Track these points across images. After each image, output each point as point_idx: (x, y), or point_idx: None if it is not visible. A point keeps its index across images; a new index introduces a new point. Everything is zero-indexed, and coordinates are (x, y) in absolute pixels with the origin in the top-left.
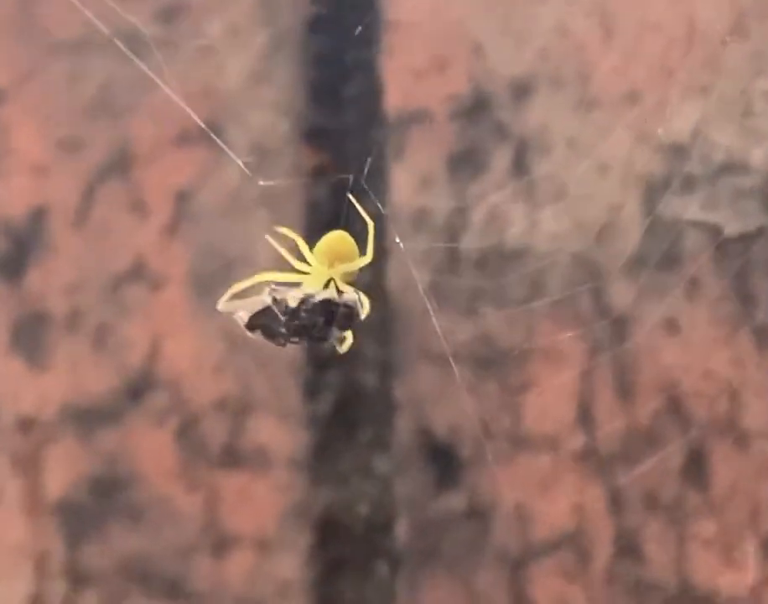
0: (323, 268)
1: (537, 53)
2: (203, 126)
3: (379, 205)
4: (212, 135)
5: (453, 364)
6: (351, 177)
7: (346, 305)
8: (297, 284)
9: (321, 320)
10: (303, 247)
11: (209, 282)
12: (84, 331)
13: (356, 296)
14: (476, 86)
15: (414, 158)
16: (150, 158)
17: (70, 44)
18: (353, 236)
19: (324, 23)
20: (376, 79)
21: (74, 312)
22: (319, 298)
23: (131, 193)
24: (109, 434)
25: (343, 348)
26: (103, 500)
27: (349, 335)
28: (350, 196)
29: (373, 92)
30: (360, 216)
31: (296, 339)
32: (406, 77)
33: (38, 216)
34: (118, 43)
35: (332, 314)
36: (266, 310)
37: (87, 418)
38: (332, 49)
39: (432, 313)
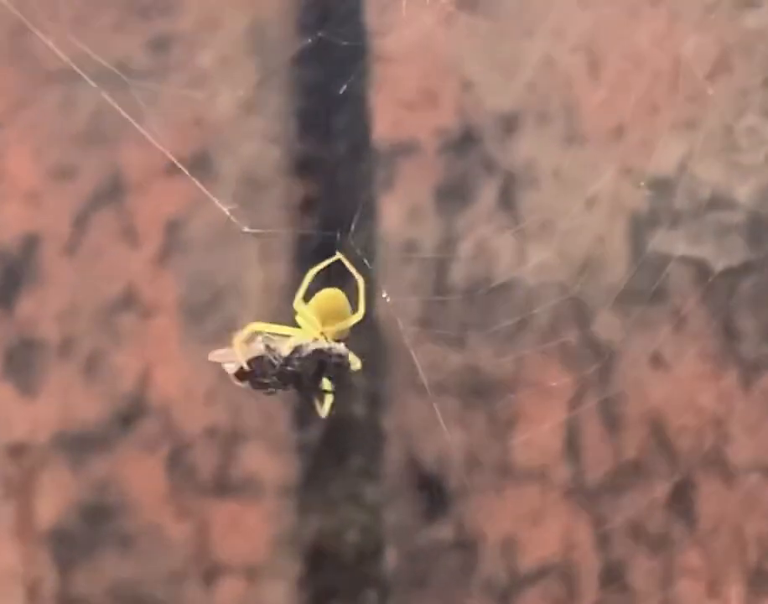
0: (314, 325)
1: (524, 87)
2: (178, 164)
3: (366, 262)
4: (195, 181)
5: (431, 395)
6: (338, 235)
7: (338, 355)
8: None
9: (312, 368)
10: (299, 303)
11: (199, 311)
12: (75, 358)
13: (346, 349)
14: (464, 120)
15: (403, 190)
16: (141, 187)
17: (61, 73)
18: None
19: (313, 54)
20: (365, 110)
21: (66, 339)
22: (311, 347)
23: (122, 221)
24: (100, 461)
25: (324, 411)
26: (94, 527)
27: (329, 398)
28: (340, 255)
29: (362, 123)
30: (350, 250)
31: (285, 387)
32: (395, 109)
33: (31, 243)
34: (104, 94)
35: (323, 363)
36: (257, 359)
37: (78, 444)
38: (321, 80)
39: (412, 350)
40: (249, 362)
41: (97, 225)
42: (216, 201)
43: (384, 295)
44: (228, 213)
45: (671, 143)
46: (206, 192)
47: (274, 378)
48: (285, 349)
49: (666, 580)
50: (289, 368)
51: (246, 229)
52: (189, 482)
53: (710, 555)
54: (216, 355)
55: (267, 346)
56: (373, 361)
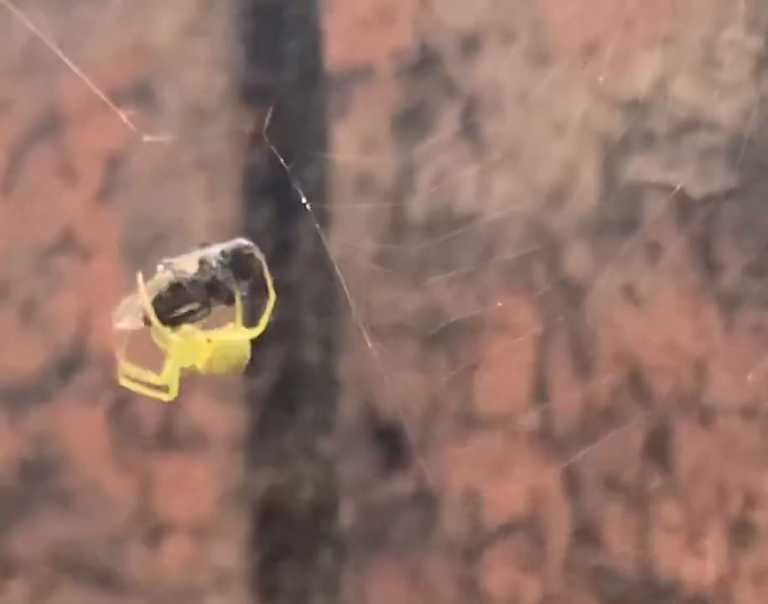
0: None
1: (486, 3)
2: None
3: (283, 163)
4: (95, 89)
5: (367, 342)
6: (288, 168)
7: (246, 248)
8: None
9: (224, 274)
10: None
11: (142, 252)
12: (10, 305)
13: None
14: (423, 40)
15: (357, 117)
16: (79, 120)
17: None
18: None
19: None
20: (316, 32)
21: (0, 284)
22: (215, 250)
23: (59, 158)
24: (37, 414)
25: (263, 321)
26: (31, 484)
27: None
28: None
29: (313, 47)
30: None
31: (207, 306)
32: (348, 30)
33: None
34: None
35: (236, 262)
36: (168, 291)
37: (14, 396)
38: (270, 0)
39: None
40: (158, 300)
41: (32, 162)
42: (111, 105)
43: (304, 201)
44: (125, 119)
45: (646, 61)
46: (105, 99)
47: (194, 303)
48: (191, 265)
49: (642, 534)
50: (203, 279)
51: (147, 138)
52: (131, 436)
53: (689, 506)
54: (121, 314)
55: (172, 271)
56: (325, 303)
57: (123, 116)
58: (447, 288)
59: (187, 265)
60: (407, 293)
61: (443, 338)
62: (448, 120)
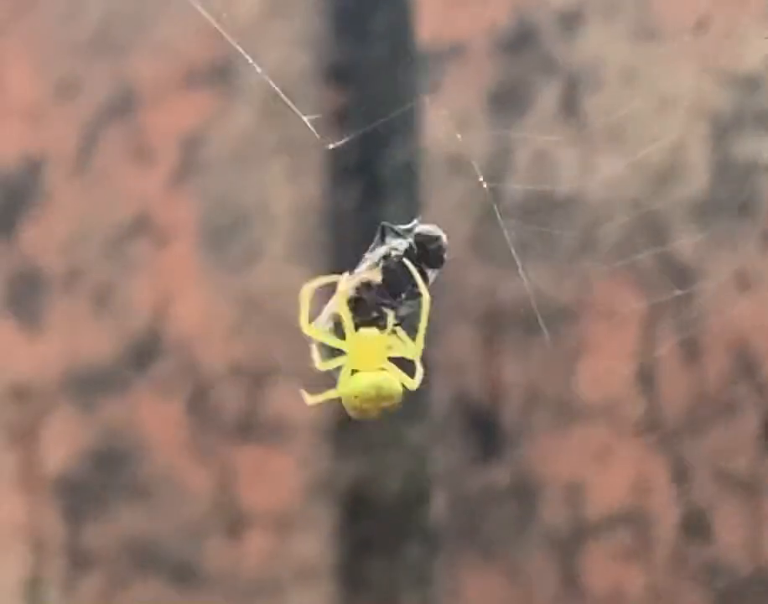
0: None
1: None
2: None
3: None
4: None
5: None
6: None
7: (430, 238)
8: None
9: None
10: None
11: (221, 236)
12: (83, 291)
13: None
14: (520, 16)
15: (450, 98)
16: (155, 100)
17: None
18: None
19: None
20: (406, 8)
21: (72, 270)
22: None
23: (134, 139)
24: (112, 404)
25: (415, 382)
26: (106, 475)
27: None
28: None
29: (403, 24)
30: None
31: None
32: (440, 6)
33: (33, 165)
34: None
35: (421, 254)
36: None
37: (88, 386)
38: None
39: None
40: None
41: (106, 143)
42: (297, 111)
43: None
44: (307, 122)
45: (759, 36)
46: (292, 106)
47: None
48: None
49: (754, 527)
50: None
51: (330, 145)
52: (211, 425)
53: None
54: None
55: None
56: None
57: (306, 120)
58: (546, 273)
59: (371, 273)
60: (503, 277)
61: (545, 324)
62: (547, 99)
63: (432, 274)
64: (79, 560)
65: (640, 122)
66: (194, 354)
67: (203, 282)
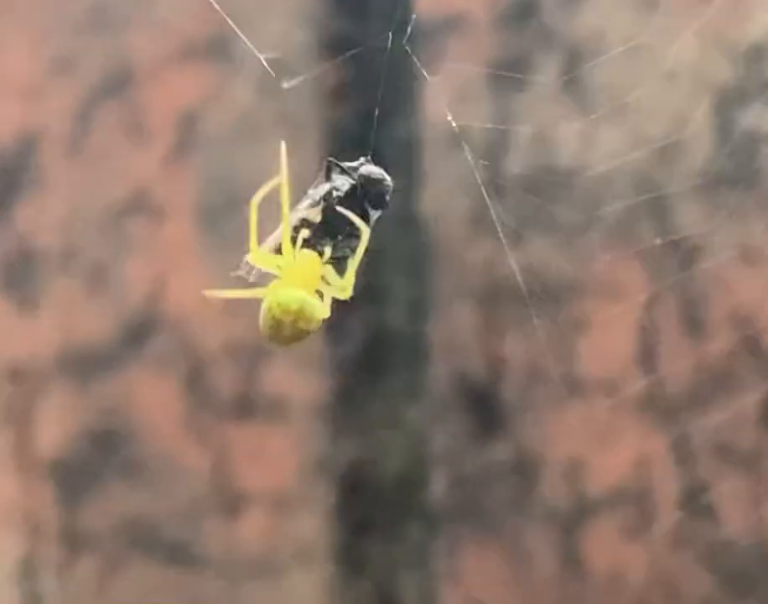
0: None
1: None
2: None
3: (425, 73)
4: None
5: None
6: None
7: (375, 180)
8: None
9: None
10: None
11: (218, 214)
12: (79, 270)
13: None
14: None
15: (450, 71)
16: (151, 76)
17: None
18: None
19: None
20: None
21: (68, 249)
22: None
23: (130, 116)
24: (108, 384)
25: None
26: (102, 456)
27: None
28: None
29: None
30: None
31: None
32: None
33: (28, 143)
34: None
35: (365, 194)
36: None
37: (83, 366)
38: None
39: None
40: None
41: (102, 121)
42: (251, 45)
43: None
44: (264, 61)
45: (764, 5)
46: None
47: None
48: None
49: (758, 506)
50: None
51: (285, 85)
52: (207, 405)
53: None
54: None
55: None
56: (416, 263)
57: (262, 58)
58: (548, 248)
59: (311, 212)
60: (502, 254)
61: (544, 299)
62: (548, 71)
63: (374, 215)
64: (74, 542)
65: (644, 94)
66: (190, 333)
67: (200, 260)
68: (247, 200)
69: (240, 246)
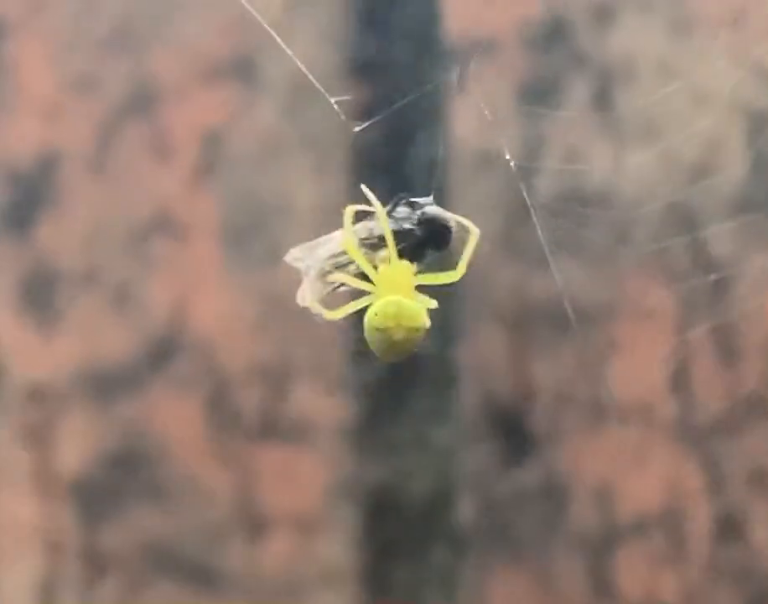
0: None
1: None
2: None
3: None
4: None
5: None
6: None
7: (439, 223)
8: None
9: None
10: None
11: (242, 233)
12: (101, 290)
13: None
14: (551, 9)
15: (480, 93)
16: (175, 95)
17: None
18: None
19: None
20: (434, 2)
21: (90, 268)
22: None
23: (153, 135)
24: (130, 404)
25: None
26: (124, 477)
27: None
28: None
29: (431, 17)
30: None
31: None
32: (470, 0)
33: (50, 161)
34: None
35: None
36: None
37: (105, 386)
38: None
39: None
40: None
41: (125, 139)
42: (322, 89)
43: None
44: (333, 103)
45: None
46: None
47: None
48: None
49: None
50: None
51: (356, 128)
52: (231, 426)
53: None
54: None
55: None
56: (444, 285)
57: (332, 101)
58: (578, 270)
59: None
60: (534, 275)
61: (574, 323)
62: (579, 94)
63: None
64: (96, 563)
65: (675, 116)
66: (214, 353)
67: (224, 280)
68: (272, 220)
69: (264, 265)
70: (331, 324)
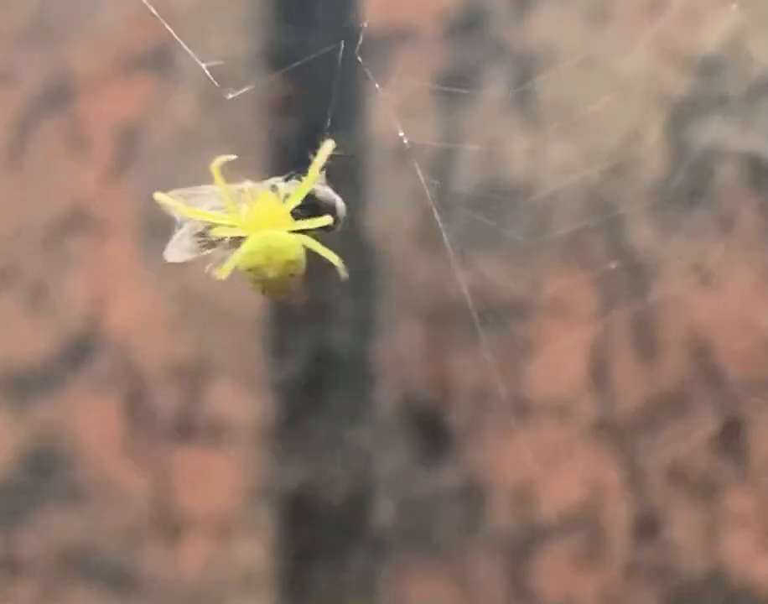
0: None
1: None
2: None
3: (377, 86)
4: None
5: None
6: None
7: (325, 204)
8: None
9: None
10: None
11: (160, 231)
12: (17, 288)
13: (333, 195)
14: None
15: (397, 83)
16: (91, 89)
17: None
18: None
19: None
20: None
21: (5, 267)
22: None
23: (70, 130)
24: (46, 405)
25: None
26: (39, 479)
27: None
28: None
29: (348, 7)
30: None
31: None
32: None
33: None
34: None
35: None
36: None
37: (20, 385)
38: None
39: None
40: None
41: (40, 135)
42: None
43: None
44: (205, 68)
45: (718, 16)
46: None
47: None
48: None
49: (711, 531)
50: None
51: (229, 95)
52: (148, 427)
53: (763, 500)
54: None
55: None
56: (361, 282)
57: (204, 66)
58: (497, 267)
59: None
60: (452, 271)
61: (493, 320)
62: (498, 84)
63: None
64: (11, 569)
65: (596, 109)
66: (131, 353)
67: (140, 278)
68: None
69: (181, 263)
70: (248, 322)
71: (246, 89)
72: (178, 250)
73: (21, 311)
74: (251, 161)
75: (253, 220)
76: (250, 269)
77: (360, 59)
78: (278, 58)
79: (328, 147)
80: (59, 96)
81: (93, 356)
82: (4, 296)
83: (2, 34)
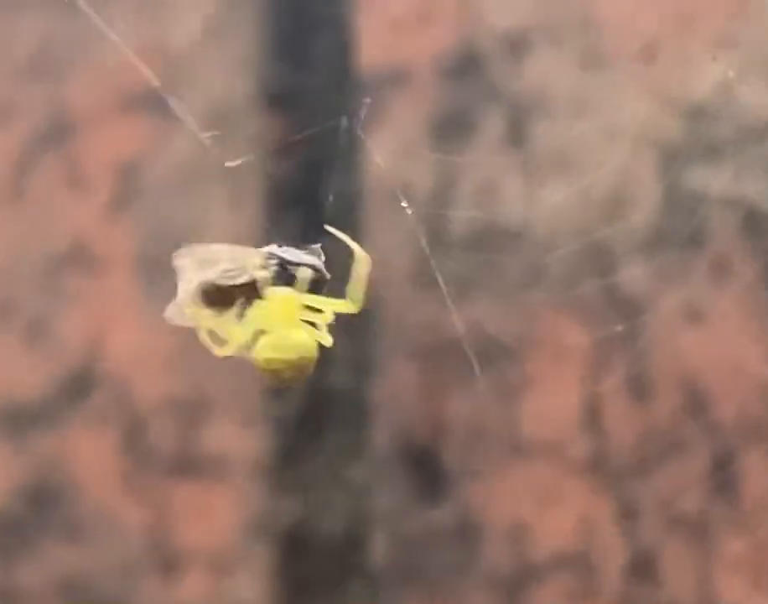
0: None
1: (534, 1)
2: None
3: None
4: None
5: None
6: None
7: (313, 268)
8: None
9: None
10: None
11: (158, 267)
12: (16, 323)
13: (317, 257)
14: (465, 41)
15: (393, 125)
16: (91, 126)
17: None
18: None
19: None
20: (348, 33)
21: (4, 301)
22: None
23: (69, 166)
24: (44, 439)
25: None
26: (37, 513)
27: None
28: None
29: (345, 48)
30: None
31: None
32: (383, 31)
33: None
34: None
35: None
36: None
37: (19, 420)
38: None
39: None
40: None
41: (40, 171)
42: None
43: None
44: (204, 139)
45: (709, 63)
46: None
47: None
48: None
49: (703, 571)
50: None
51: (228, 163)
52: (146, 462)
53: (755, 541)
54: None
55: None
56: (357, 322)
57: (204, 138)
58: (491, 306)
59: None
60: (447, 311)
61: (487, 359)
62: (492, 126)
63: None
64: (9, 601)
65: (587, 150)
66: (129, 388)
67: (139, 314)
68: None
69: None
70: (246, 359)
71: (243, 159)
72: (179, 311)
73: (20, 346)
74: (248, 199)
75: (267, 319)
76: (262, 369)
77: (362, 135)
78: (273, 99)
79: (363, 263)
80: (58, 133)
81: (91, 391)
82: (3, 331)
83: (2, 72)
